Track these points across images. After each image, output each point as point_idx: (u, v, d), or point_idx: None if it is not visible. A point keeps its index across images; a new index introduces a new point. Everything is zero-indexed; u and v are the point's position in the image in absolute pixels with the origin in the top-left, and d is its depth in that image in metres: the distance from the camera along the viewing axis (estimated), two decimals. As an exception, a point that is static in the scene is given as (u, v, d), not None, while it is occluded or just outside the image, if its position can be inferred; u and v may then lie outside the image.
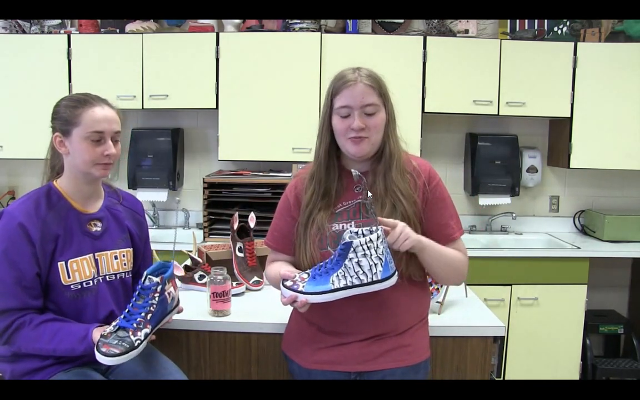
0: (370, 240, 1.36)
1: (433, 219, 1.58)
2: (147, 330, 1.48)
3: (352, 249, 1.37)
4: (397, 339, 1.55)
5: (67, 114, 1.56)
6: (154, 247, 1.94)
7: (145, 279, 1.52)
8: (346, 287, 1.39)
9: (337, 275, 1.40)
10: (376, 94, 1.53)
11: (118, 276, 1.68)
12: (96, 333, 1.49)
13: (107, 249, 1.66)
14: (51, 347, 1.50)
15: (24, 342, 1.50)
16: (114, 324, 1.48)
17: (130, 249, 1.73)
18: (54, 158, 1.65)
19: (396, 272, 1.43)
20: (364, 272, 1.38)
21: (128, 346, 1.42)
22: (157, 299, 1.51)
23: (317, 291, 1.40)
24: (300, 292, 1.42)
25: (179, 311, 1.68)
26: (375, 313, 1.53)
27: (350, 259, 1.38)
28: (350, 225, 1.52)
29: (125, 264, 1.70)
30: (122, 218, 1.72)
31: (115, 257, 1.67)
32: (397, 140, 1.60)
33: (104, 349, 1.41)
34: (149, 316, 1.49)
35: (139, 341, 1.44)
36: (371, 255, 1.37)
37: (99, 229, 1.65)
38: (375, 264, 1.37)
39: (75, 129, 1.55)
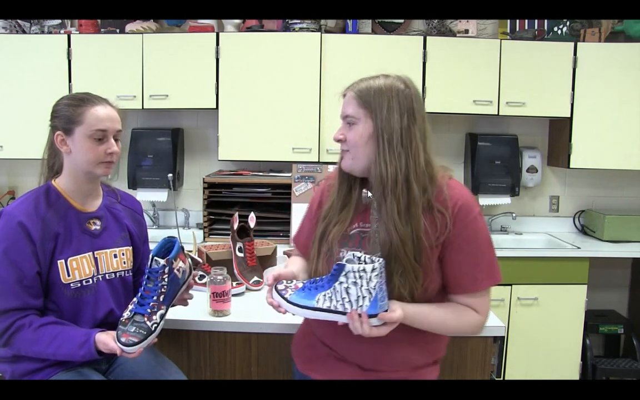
0: (364, 269, 1.26)
1: (451, 264, 1.38)
2: (162, 311, 1.51)
3: (343, 273, 1.28)
4: (394, 374, 1.46)
5: (69, 113, 1.57)
6: (154, 247, 1.94)
7: (152, 262, 1.53)
8: (328, 310, 1.31)
9: (324, 295, 1.32)
10: (356, 104, 1.41)
11: (118, 275, 1.68)
12: (98, 339, 1.49)
13: (106, 248, 1.66)
14: (50, 350, 1.49)
15: (23, 344, 1.50)
16: (130, 308, 1.51)
17: (130, 248, 1.73)
18: (51, 157, 1.65)
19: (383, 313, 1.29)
20: (349, 300, 1.28)
21: (145, 332, 1.46)
22: (166, 279, 1.52)
23: (300, 304, 1.34)
24: (285, 299, 1.36)
25: (194, 278, 1.69)
26: (369, 343, 1.37)
27: (341, 283, 1.29)
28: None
29: (125, 263, 1.70)
30: (121, 217, 1.73)
31: (115, 256, 1.68)
32: (403, 162, 1.36)
33: (123, 339, 1.44)
34: (161, 298, 1.51)
35: (155, 325, 1.48)
36: (361, 286, 1.27)
37: (98, 227, 1.65)
38: (363, 297, 1.27)
39: (79, 128, 1.56)
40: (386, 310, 1.30)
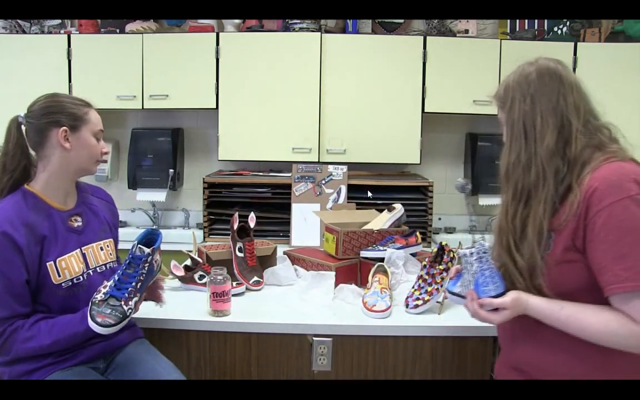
0: (465, 254, 1.35)
1: (590, 258, 1.22)
2: (136, 298, 1.52)
3: (461, 260, 1.40)
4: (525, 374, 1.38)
5: (76, 111, 1.61)
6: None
7: (135, 249, 1.53)
8: (458, 295, 1.40)
9: (460, 281, 1.41)
10: (498, 108, 1.45)
11: (107, 266, 1.70)
12: None
13: (92, 242, 1.67)
14: (51, 340, 1.49)
15: (21, 345, 1.49)
16: (103, 291, 1.50)
17: (112, 239, 1.76)
18: (15, 159, 1.59)
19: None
20: (464, 285, 1.38)
21: (121, 316, 1.46)
22: (146, 268, 1.54)
23: (449, 289, 1.45)
24: (447, 285, 1.48)
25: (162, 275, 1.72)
26: (510, 336, 1.41)
27: (463, 269, 1.39)
28: None
29: (111, 254, 1.73)
30: (98, 210, 1.75)
31: (101, 248, 1.70)
32: (523, 149, 1.35)
33: (99, 319, 1.44)
34: (139, 285, 1.52)
35: (130, 310, 1.49)
36: (468, 271, 1.36)
37: (80, 224, 1.66)
38: (469, 282, 1.35)
39: (86, 125, 1.62)
40: (495, 296, 1.29)
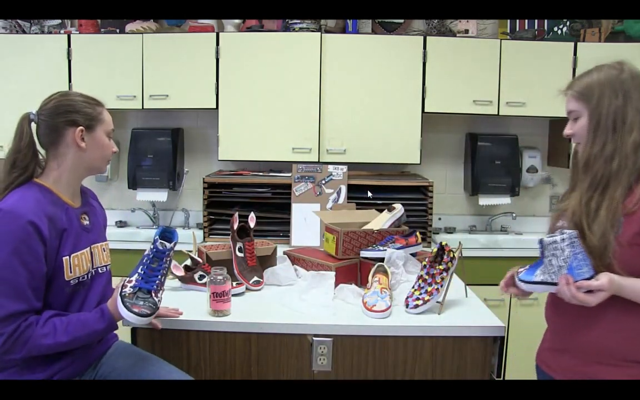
0: (555, 241, 1.38)
1: None
2: (162, 291, 1.56)
3: (544, 247, 1.42)
4: (588, 366, 1.45)
5: (91, 110, 1.62)
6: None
7: (158, 243, 1.58)
8: (543, 283, 1.43)
9: (541, 270, 1.44)
10: (574, 100, 1.51)
11: (107, 268, 1.71)
12: (111, 308, 1.53)
13: (97, 242, 1.69)
14: (67, 338, 1.48)
15: (36, 341, 1.45)
16: (132, 284, 1.52)
17: (107, 242, 1.77)
18: (27, 157, 1.57)
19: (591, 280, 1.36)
20: (554, 271, 1.40)
21: (154, 306, 1.51)
22: (168, 263, 1.59)
23: (524, 280, 1.47)
24: (518, 278, 1.49)
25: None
26: (569, 322, 1.47)
27: (546, 257, 1.42)
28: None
29: (109, 256, 1.74)
30: (96, 212, 1.77)
31: (103, 249, 1.72)
32: (610, 141, 1.41)
33: (136, 310, 1.47)
34: (163, 278, 1.57)
35: (159, 301, 1.53)
36: (558, 256, 1.39)
37: (88, 222, 1.67)
38: (560, 267, 1.38)
39: (100, 125, 1.63)
40: (587, 278, 1.35)
